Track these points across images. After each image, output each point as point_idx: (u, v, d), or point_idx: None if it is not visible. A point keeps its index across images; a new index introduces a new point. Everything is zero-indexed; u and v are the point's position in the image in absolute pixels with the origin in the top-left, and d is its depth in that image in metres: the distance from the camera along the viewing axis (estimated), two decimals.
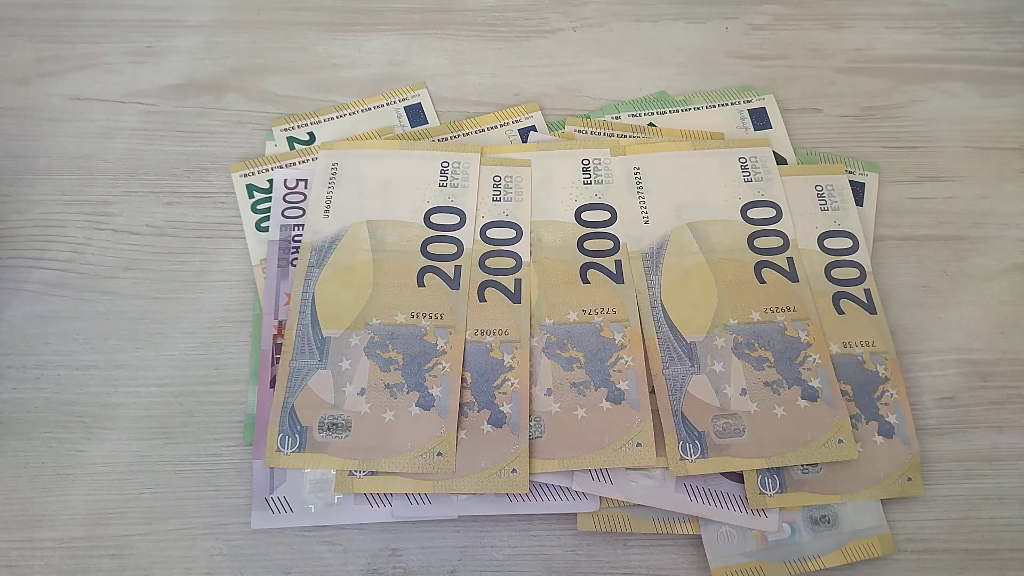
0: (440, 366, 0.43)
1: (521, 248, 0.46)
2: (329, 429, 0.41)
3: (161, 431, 0.43)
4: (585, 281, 0.45)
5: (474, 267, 0.45)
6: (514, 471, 0.40)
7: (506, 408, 0.42)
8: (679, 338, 0.43)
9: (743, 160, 0.48)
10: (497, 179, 0.48)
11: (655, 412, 0.42)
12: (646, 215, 0.47)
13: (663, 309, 0.44)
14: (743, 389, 0.42)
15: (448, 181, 0.48)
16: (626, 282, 0.45)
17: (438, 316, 0.44)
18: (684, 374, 0.42)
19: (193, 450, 0.43)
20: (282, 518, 0.41)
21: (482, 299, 0.44)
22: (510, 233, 0.46)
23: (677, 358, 0.43)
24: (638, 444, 0.41)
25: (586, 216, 0.47)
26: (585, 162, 0.48)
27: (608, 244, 0.46)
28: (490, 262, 0.45)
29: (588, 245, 0.46)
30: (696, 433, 0.41)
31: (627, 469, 0.41)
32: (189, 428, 0.43)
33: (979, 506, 0.42)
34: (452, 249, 0.46)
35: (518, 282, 0.45)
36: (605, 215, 0.47)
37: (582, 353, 0.43)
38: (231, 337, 0.45)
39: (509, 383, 0.42)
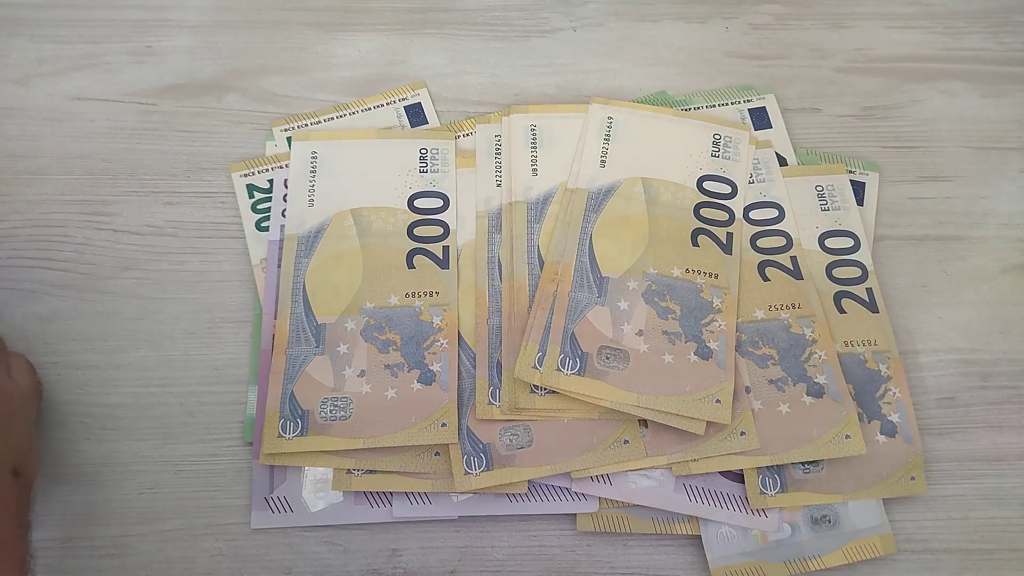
0: (438, 343, 0.43)
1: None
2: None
3: (161, 431, 0.43)
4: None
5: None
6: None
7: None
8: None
9: None
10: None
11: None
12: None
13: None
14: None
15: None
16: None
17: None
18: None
19: (193, 450, 0.43)
20: (282, 518, 0.41)
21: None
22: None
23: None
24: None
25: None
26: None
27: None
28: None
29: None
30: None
31: (627, 471, 0.41)
32: (189, 428, 0.43)
33: (979, 506, 0.42)
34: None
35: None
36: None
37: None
38: (231, 337, 0.45)
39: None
